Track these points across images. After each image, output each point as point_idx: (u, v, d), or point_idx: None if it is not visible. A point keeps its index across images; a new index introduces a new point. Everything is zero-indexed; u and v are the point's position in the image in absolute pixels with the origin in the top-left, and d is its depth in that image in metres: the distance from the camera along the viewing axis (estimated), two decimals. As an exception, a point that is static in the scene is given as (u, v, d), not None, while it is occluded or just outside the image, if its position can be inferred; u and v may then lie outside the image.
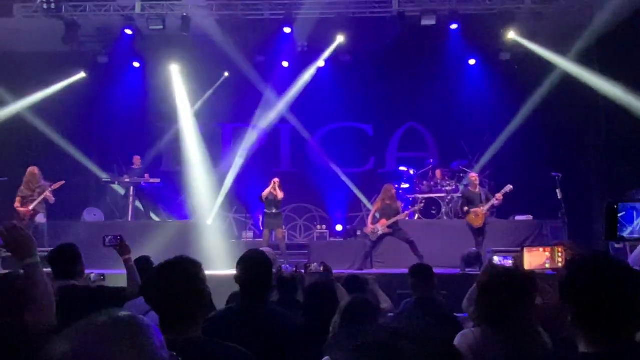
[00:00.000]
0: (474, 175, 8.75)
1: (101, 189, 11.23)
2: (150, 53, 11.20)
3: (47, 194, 8.21)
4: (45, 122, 10.72)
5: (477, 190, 8.45)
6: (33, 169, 8.36)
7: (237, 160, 11.69)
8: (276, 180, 8.87)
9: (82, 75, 11.08)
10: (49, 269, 5.50)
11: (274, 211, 8.73)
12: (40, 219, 8.28)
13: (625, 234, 2.12)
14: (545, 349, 2.08)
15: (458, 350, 0.91)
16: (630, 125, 9.03)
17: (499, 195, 8.27)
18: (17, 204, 8.19)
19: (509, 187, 8.32)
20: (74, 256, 3.44)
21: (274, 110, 11.74)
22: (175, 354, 0.97)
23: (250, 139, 11.87)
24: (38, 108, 10.70)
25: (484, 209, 8.19)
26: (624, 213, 2.08)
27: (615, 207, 2.12)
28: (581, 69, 9.99)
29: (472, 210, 8.20)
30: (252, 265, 2.45)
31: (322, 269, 4.46)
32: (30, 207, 8.12)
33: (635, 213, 2.08)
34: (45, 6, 9.14)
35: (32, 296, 1.71)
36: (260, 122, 11.86)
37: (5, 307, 2.34)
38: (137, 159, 10.44)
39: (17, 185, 8.58)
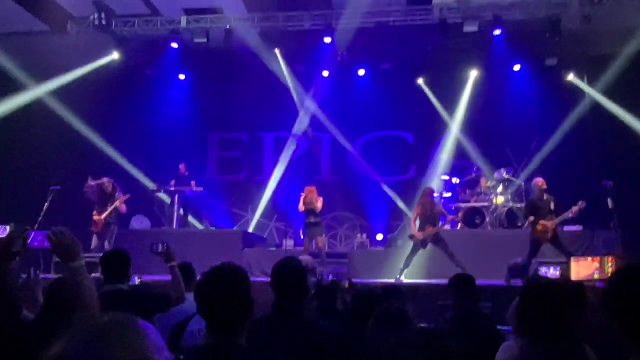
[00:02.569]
0: (540, 182, 7.74)
1: (149, 198, 11.58)
2: (195, 66, 11.55)
3: (119, 204, 8.79)
4: (95, 132, 11.21)
5: (545, 197, 7.61)
6: (108, 181, 8.91)
7: (278, 169, 11.83)
8: (309, 189, 8.85)
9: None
10: (98, 274, 5.73)
11: (312, 220, 8.74)
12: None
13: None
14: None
15: None
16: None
17: (574, 210, 7.42)
18: (94, 213, 8.79)
19: (582, 204, 7.45)
20: (125, 261, 3.57)
21: (313, 118, 11.83)
22: (182, 357, 0.98)
23: (290, 148, 12.01)
24: (88, 119, 11.19)
25: (553, 223, 7.38)
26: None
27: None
28: (634, 72, 9.60)
29: (540, 222, 7.39)
30: (285, 273, 2.47)
31: (347, 285, 4.43)
32: (103, 216, 8.67)
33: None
34: (97, 22, 9.56)
35: (78, 299, 1.78)
36: (301, 131, 11.98)
37: (55, 308, 2.45)
38: (182, 167, 10.74)
39: (69, 192, 9.04)
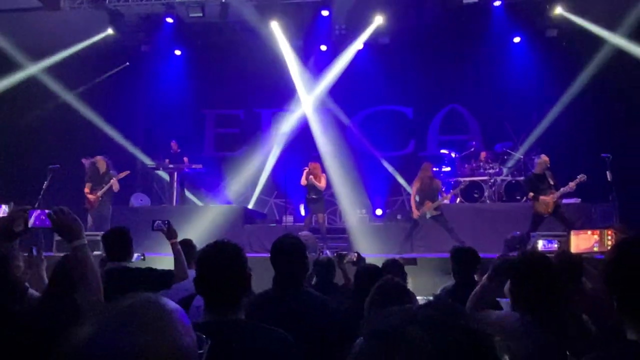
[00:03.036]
0: (545, 158, 7.91)
1: (147, 175, 11.56)
2: (191, 41, 11.39)
3: (114, 181, 8.70)
4: (92, 110, 11.12)
5: (545, 173, 7.79)
6: (102, 159, 8.83)
7: (276, 146, 11.80)
8: (313, 165, 8.84)
9: (126, 64, 11.45)
10: (99, 252, 5.76)
11: (313, 196, 8.76)
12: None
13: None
14: (588, 336, 2.02)
15: (482, 340, 0.79)
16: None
17: (572, 185, 7.60)
18: (86, 190, 8.74)
19: (582, 177, 7.63)
20: (127, 238, 3.60)
21: (312, 94, 11.73)
22: (204, 336, 0.94)
23: (288, 124, 11.94)
24: (84, 97, 11.09)
25: (554, 197, 7.58)
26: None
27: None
28: (634, 44, 9.48)
29: (540, 197, 7.58)
30: (284, 249, 2.48)
31: (355, 258, 4.46)
32: (99, 194, 8.63)
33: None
34: (90, -2, 9.40)
35: (81, 276, 1.80)
36: (299, 107, 11.90)
37: (60, 286, 2.48)
38: (174, 144, 10.67)
39: (66, 172, 9.02)
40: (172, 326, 0.80)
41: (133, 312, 0.79)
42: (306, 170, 8.72)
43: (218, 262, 1.84)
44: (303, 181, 8.73)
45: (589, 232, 2.59)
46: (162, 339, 0.77)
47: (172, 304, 0.84)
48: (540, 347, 1.99)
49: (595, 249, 2.59)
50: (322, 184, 8.73)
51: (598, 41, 9.93)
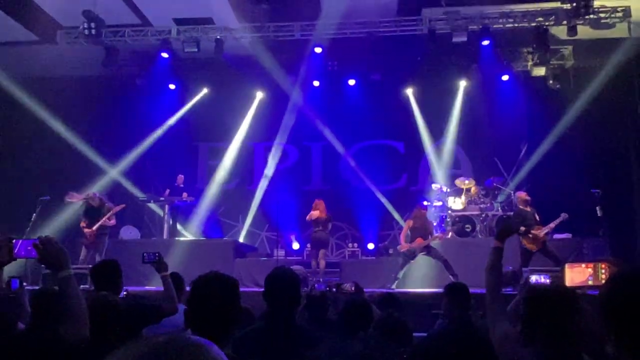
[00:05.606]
0: (522, 195, 8.27)
1: (138, 208, 11.47)
2: (185, 75, 11.52)
3: (111, 216, 8.76)
4: (85, 142, 11.11)
5: (529, 209, 8.05)
6: (93, 194, 8.86)
7: (265, 178, 11.85)
8: (319, 202, 9.20)
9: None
10: (87, 286, 5.64)
11: (320, 229, 9.03)
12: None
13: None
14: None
15: None
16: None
17: (552, 225, 7.89)
18: (82, 224, 8.72)
19: (564, 216, 7.89)
20: (116, 271, 3.52)
21: (304, 128, 11.84)
22: None
23: (280, 157, 12.04)
24: (77, 129, 11.10)
25: (541, 233, 7.78)
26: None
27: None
28: (620, 82, 9.73)
29: (531, 232, 7.75)
30: (277, 283, 2.44)
31: (353, 288, 4.42)
32: (94, 228, 8.59)
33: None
34: (86, 32, 9.51)
35: (66, 309, 1.74)
36: (291, 141, 12.00)
37: (42, 320, 2.40)
38: (180, 178, 10.70)
39: (58, 203, 8.96)
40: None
41: (169, 347, 0.76)
42: (315, 206, 9.06)
43: (212, 295, 1.79)
44: (310, 217, 8.99)
45: (583, 265, 2.59)
46: None
47: (210, 344, 0.81)
48: None
49: (590, 282, 2.59)
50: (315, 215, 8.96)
51: (586, 79, 10.16)
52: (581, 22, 9.16)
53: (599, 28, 9.45)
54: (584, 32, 9.41)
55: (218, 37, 10.15)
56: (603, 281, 2.63)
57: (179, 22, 10.27)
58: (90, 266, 7.20)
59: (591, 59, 10.19)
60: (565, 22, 9.30)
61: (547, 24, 9.50)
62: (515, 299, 3.28)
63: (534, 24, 9.54)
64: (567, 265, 2.72)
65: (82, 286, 6.16)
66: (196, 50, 10.12)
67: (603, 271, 2.70)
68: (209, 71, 11.38)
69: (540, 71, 10.53)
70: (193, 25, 10.20)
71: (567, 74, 10.90)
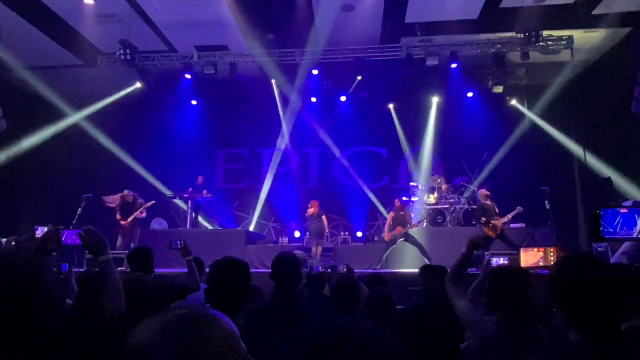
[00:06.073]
0: (484, 192, 8.24)
1: (166, 203, 11.44)
2: (205, 93, 11.50)
3: (144, 210, 8.79)
4: (122, 149, 11.10)
5: (490, 202, 8.02)
6: (127, 192, 8.87)
7: (268, 179, 11.84)
8: (315, 202, 9.19)
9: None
10: (123, 268, 5.61)
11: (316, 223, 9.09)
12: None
13: (609, 236, 2.01)
14: (540, 334, 1.98)
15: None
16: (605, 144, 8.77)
17: (510, 217, 7.87)
18: (118, 217, 8.71)
19: (519, 209, 7.88)
20: (149, 256, 3.49)
21: (303, 136, 11.85)
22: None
23: (284, 161, 12.05)
24: (116, 138, 11.07)
25: (500, 223, 7.73)
26: (605, 216, 1.97)
27: (598, 212, 2.02)
28: (565, 97, 9.76)
29: (491, 222, 7.73)
30: (282, 266, 2.43)
31: (346, 270, 4.41)
32: (129, 220, 8.64)
33: (616, 217, 1.98)
34: (122, 57, 9.47)
35: (106, 287, 1.73)
36: (293, 147, 12.00)
37: (86, 297, 2.39)
38: (201, 178, 10.67)
39: (100, 199, 8.93)
40: (229, 333, 0.80)
41: (195, 319, 0.78)
42: (312, 206, 9.06)
43: (227, 276, 1.80)
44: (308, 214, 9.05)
45: (536, 249, 2.60)
46: (221, 342, 0.77)
47: (223, 317, 0.83)
48: (509, 342, 1.95)
49: (541, 263, 2.60)
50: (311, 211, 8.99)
51: (536, 95, 10.20)
52: (532, 48, 9.18)
53: (547, 54, 9.47)
54: (535, 57, 9.43)
55: (232, 61, 10.12)
56: (552, 263, 2.64)
57: (199, 48, 10.24)
58: (126, 252, 7.22)
59: (542, 79, 10.20)
60: (519, 48, 9.32)
61: (504, 50, 9.53)
62: (478, 278, 3.29)
63: (494, 50, 9.56)
64: (522, 250, 2.72)
65: (119, 268, 6.14)
66: (214, 72, 10.08)
67: (552, 254, 2.70)
68: (225, 90, 11.35)
69: (499, 89, 10.53)
70: (211, 51, 10.17)
71: (522, 91, 10.92)
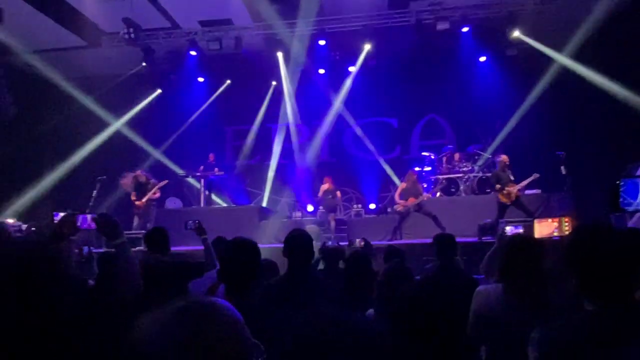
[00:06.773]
0: (505, 157, 7.95)
1: (178, 182, 11.57)
2: (211, 69, 11.39)
3: (157, 190, 8.84)
4: (131, 129, 11.16)
5: (506, 170, 7.83)
6: (141, 172, 8.97)
7: (275, 154, 11.82)
8: (328, 179, 9.34)
9: (158, 91, 11.49)
10: (141, 247, 5.74)
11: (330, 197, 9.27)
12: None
13: (631, 208, 1.95)
14: (552, 304, 1.99)
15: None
16: (625, 107, 8.49)
17: (525, 183, 7.75)
18: (132, 197, 8.81)
19: (535, 175, 7.74)
20: (165, 236, 3.56)
21: (313, 110, 11.74)
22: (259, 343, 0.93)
23: (294, 135, 11.99)
24: (124, 118, 11.12)
25: (515, 189, 7.60)
26: (625, 187, 1.92)
27: (618, 182, 1.97)
28: (577, 63, 9.44)
29: (506, 188, 7.57)
30: (294, 242, 2.46)
31: (363, 244, 4.42)
32: (144, 200, 8.71)
33: (637, 187, 1.92)
34: (126, 36, 9.39)
35: (122, 267, 1.78)
36: (302, 121, 11.92)
37: (106, 277, 2.46)
38: (211, 156, 10.70)
39: (113, 181, 9.06)
40: (235, 322, 0.81)
41: (201, 308, 0.80)
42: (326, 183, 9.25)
43: (236, 257, 1.86)
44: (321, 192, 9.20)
45: (550, 219, 2.56)
46: (227, 329, 0.79)
47: (227, 305, 0.84)
48: (517, 312, 1.97)
49: (556, 233, 2.57)
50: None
51: (550, 58, 9.88)
52: (546, 7, 8.82)
53: (563, 11, 9.09)
54: (551, 15, 9.06)
55: (237, 34, 9.96)
56: (567, 232, 2.62)
57: (203, 23, 10.08)
58: (142, 231, 7.37)
59: (555, 41, 9.83)
60: (533, 8, 8.97)
61: (517, 9, 9.18)
62: (493, 247, 3.29)
63: (506, 11, 9.23)
64: (535, 221, 2.71)
65: (137, 248, 6.29)
66: (219, 47, 9.96)
67: (566, 224, 2.68)
68: (231, 65, 11.23)
69: (513, 51, 10.23)
70: (215, 26, 10.01)
71: (536, 54, 10.56)
